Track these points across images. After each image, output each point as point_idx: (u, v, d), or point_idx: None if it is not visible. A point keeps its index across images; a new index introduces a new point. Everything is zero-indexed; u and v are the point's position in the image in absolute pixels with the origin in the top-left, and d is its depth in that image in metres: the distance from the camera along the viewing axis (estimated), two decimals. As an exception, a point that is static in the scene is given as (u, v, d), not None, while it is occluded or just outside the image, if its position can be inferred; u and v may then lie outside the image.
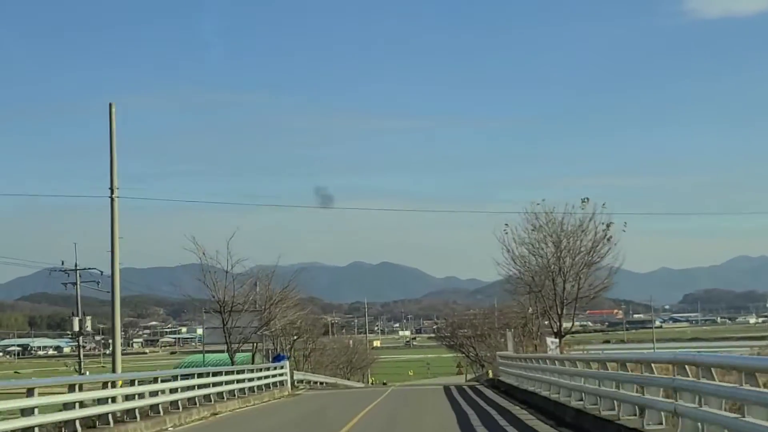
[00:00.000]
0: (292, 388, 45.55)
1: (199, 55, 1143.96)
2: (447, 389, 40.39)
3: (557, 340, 45.43)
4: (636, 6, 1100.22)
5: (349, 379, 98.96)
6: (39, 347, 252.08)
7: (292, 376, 51.80)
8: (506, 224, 47.26)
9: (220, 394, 31.24)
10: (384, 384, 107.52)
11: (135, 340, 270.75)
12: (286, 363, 43.76)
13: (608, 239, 44.69)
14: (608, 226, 45.00)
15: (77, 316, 71.56)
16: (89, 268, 71.42)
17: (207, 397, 29.56)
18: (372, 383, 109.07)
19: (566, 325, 50.96)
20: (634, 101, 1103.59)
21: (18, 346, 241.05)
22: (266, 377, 39.46)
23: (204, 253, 44.32)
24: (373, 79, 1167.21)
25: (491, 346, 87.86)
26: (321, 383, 60.31)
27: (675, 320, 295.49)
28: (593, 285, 45.70)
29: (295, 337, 65.28)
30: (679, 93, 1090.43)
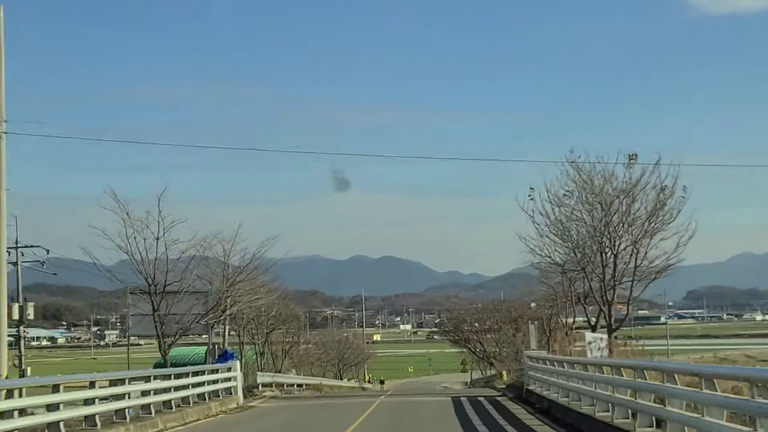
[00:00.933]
0: (245, 398, 32.85)
1: (210, 46, 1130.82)
2: (457, 403, 27.64)
3: (602, 336, 32.81)
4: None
5: (342, 378, 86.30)
6: (33, 338, 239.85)
7: (254, 380, 39.26)
8: (532, 188, 34.88)
9: (90, 419, 18.54)
10: (381, 383, 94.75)
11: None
12: (236, 364, 30.97)
13: (662, 206, 32.14)
14: (663, 190, 32.46)
15: (17, 301, 58.42)
16: (32, 246, 58.78)
17: (56, 426, 16.82)
18: (368, 381, 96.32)
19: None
20: (635, 95, 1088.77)
21: (10, 336, 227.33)
22: (198, 384, 26.70)
23: (128, 215, 31.73)
24: (376, 73, 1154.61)
25: (501, 342, 75.54)
26: (298, 385, 47.56)
27: (680, 317, 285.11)
28: (652, 262, 32.96)
29: (269, 329, 52.37)
30: (680, 86, 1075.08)
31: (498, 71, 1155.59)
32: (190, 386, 25.69)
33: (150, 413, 21.87)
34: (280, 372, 54.05)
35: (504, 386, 43.89)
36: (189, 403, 25.35)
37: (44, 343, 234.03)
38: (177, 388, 24.42)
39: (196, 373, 26.95)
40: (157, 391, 22.68)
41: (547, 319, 46.20)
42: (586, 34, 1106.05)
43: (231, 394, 30.24)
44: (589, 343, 31.33)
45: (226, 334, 48.49)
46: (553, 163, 33.01)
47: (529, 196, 34.87)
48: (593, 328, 37.63)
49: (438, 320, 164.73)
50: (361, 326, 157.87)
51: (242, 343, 47.41)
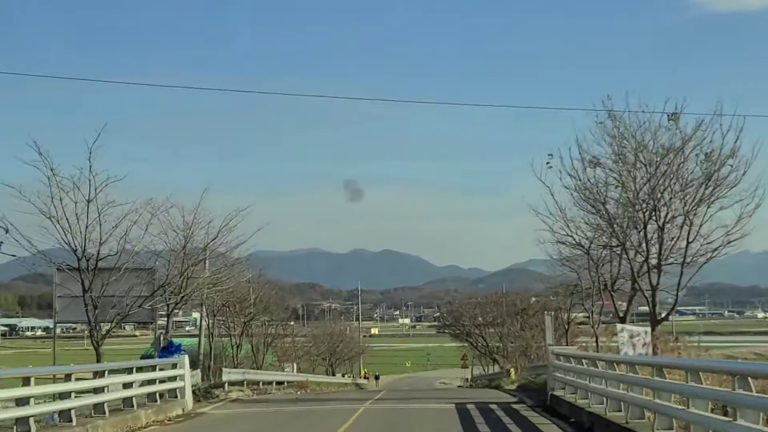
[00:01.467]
0: (199, 401, 26.07)
1: (220, 40, 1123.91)
2: (464, 414, 20.79)
3: (646, 330, 26.09)
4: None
5: (334, 373, 79.44)
6: (27, 327, 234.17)
7: (218, 376, 32.46)
8: (550, 154, 28.24)
9: None
10: (377, 378, 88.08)
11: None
12: (184, 359, 24.09)
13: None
14: (708, 156, 25.69)
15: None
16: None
17: None
18: (364, 376, 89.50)
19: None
20: (636, 93, 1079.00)
21: (5, 326, 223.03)
22: (124, 386, 19.86)
23: (53, 170, 24.84)
24: (378, 67, 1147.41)
25: (505, 336, 68.92)
26: (278, 383, 40.65)
27: (681, 313, 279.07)
28: (707, 238, 26.06)
29: (247, 318, 45.46)
30: (680, 83, 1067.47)
31: (498, 67, 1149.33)
32: (106, 389, 18.82)
33: (27, 429, 15.02)
34: (260, 368, 47.30)
35: (514, 387, 37.10)
36: (104, 412, 18.47)
37: (39, 333, 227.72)
38: (81, 392, 17.62)
39: (116, 372, 20.04)
40: (42, 398, 15.86)
41: (566, 309, 39.44)
42: (586, 33, 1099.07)
43: (176, 397, 23.39)
44: (632, 337, 24.54)
45: (202, 323, 41.78)
46: (586, 111, 26.13)
47: (547, 163, 28.25)
48: (622, 320, 31.07)
49: (438, 314, 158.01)
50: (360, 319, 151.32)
51: (212, 334, 40.55)
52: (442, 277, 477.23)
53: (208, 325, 40.59)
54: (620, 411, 16.41)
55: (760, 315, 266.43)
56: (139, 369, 21.55)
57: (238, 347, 44.88)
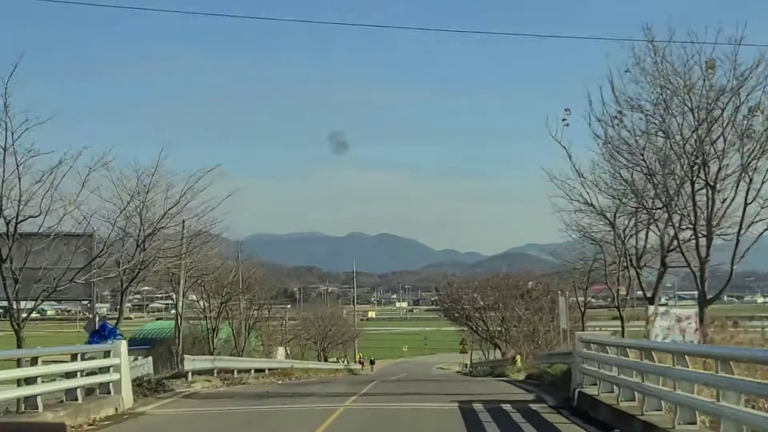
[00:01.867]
0: (143, 396, 21.17)
1: (210, 20, 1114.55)
2: (471, 419, 15.84)
3: (690, 312, 21.43)
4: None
5: (326, 359, 74.73)
6: (22, 309, 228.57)
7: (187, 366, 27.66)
8: (567, 110, 23.59)
9: None
10: (372, 363, 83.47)
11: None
12: (119, 345, 19.11)
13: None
14: (752, 110, 20.84)
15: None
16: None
17: None
18: (358, 360, 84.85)
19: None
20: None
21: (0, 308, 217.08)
22: (27, 381, 14.97)
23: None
24: (377, 48, 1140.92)
25: (508, 320, 64.26)
26: (257, 370, 35.68)
27: (680, 298, 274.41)
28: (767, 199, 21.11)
29: (224, 298, 40.49)
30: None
31: (500, 51, 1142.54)
32: (-9, 387, 13.92)
33: None
34: (242, 353, 42.47)
35: (522, 377, 32.22)
36: (-14, 419, 13.57)
37: (33, 315, 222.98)
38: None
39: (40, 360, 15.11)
40: None
41: (583, 289, 34.53)
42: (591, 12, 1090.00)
43: (109, 392, 18.46)
44: (679, 321, 19.71)
45: (178, 303, 36.85)
46: (620, 42, 21.10)
47: (564, 120, 23.47)
48: (650, 300, 26.43)
49: (435, 297, 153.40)
50: (358, 302, 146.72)
51: (180, 315, 35.54)
52: (439, 260, 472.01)
53: (178, 306, 35.67)
54: (695, 424, 11.54)
55: (760, 300, 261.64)
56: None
57: (213, 331, 39.95)
